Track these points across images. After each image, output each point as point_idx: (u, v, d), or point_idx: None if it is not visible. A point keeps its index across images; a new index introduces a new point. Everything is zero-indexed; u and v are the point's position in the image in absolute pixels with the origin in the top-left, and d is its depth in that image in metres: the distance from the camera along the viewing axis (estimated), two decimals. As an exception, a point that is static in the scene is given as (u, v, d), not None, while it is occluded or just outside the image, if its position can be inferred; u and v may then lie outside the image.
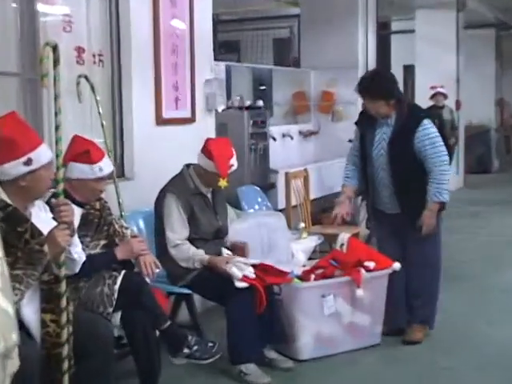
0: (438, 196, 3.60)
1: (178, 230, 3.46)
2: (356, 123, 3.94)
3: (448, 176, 3.64)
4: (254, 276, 3.35)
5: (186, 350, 3.14)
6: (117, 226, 3.18)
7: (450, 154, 9.13)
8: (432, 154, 3.59)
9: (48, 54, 2.37)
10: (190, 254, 3.44)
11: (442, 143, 3.66)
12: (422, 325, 3.85)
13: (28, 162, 2.39)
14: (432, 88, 8.60)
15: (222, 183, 3.50)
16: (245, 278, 3.33)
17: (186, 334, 3.19)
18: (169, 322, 3.10)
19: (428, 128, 3.63)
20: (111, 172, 3.18)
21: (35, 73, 3.32)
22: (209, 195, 3.63)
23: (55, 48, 2.40)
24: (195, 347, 3.16)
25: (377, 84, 3.68)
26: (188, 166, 3.62)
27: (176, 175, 3.61)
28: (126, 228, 3.25)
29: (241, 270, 3.33)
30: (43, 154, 2.45)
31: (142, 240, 3.19)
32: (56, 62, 2.41)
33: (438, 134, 3.65)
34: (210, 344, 3.24)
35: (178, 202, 3.46)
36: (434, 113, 8.40)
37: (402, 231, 3.78)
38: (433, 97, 8.55)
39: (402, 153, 3.63)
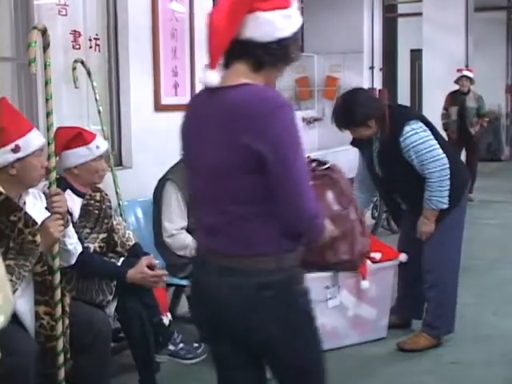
0: (428, 203, 3.41)
1: (175, 220, 3.39)
2: (351, 143, 3.75)
3: (441, 182, 3.34)
4: None
5: (170, 347, 3.10)
6: (115, 222, 3.11)
7: (473, 144, 8.47)
8: (419, 163, 3.37)
9: (36, 38, 2.28)
10: (187, 243, 3.38)
11: (432, 147, 3.37)
12: (427, 332, 3.61)
13: (16, 149, 2.34)
14: (458, 71, 8.12)
15: None
16: None
17: (173, 331, 3.15)
18: (160, 317, 3.04)
19: (409, 136, 3.36)
20: (107, 149, 3.13)
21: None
22: None
23: (45, 32, 2.31)
24: (180, 345, 3.12)
25: (349, 115, 3.42)
26: None
27: (177, 163, 3.51)
28: (128, 239, 3.15)
29: None
30: (32, 141, 2.39)
31: (157, 274, 3.00)
32: (46, 47, 2.33)
33: (424, 138, 3.36)
34: (196, 344, 3.19)
35: (177, 191, 3.39)
36: (457, 99, 7.86)
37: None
38: (458, 81, 7.95)
39: (394, 164, 3.46)
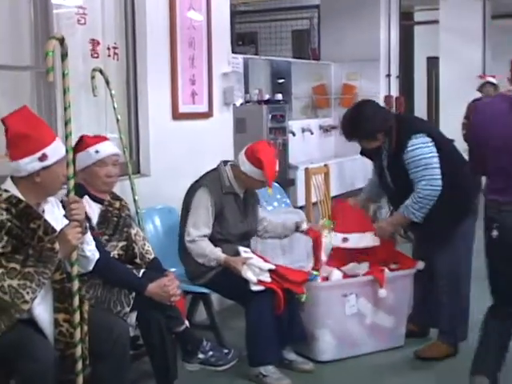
0: (405, 210, 3.43)
1: (200, 227, 3.37)
2: (360, 153, 3.78)
3: (426, 201, 3.36)
4: (269, 280, 3.27)
5: (200, 356, 3.09)
6: (133, 232, 3.10)
7: None
8: (415, 179, 3.39)
9: (54, 47, 2.30)
10: (207, 252, 3.36)
11: (430, 165, 3.35)
12: (441, 340, 3.61)
13: (43, 158, 2.36)
14: (481, 77, 7.84)
15: (270, 191, 3.62)
16: (260, 282, 3.25)
17: (202, 339, 3.12)
18: (184, 325, 3.03)
19: (410, 151, 3.37)
20: (114, 154, 3.07)
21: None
22: (241, 196, 3.54)
23: (62, 41, 2.34)
24: (210, 353, 3.10)
25: (356, 128, 3.47)
26: (225, 162, 3.53)
27: (211, 170, 3.52)
28: (147, 252, 3.14)
29: (256, 275, 3.25)
30: (57, 150, 2.41)
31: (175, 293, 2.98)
32: (64, 56, 2.35)
33: (424, 155, 3.36)
34: (226, 350, 3.17)
35: (210, 198, 3.38)
36: None
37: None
38: (481, 88, 7.45)
39: (404, 177, 3.45)
